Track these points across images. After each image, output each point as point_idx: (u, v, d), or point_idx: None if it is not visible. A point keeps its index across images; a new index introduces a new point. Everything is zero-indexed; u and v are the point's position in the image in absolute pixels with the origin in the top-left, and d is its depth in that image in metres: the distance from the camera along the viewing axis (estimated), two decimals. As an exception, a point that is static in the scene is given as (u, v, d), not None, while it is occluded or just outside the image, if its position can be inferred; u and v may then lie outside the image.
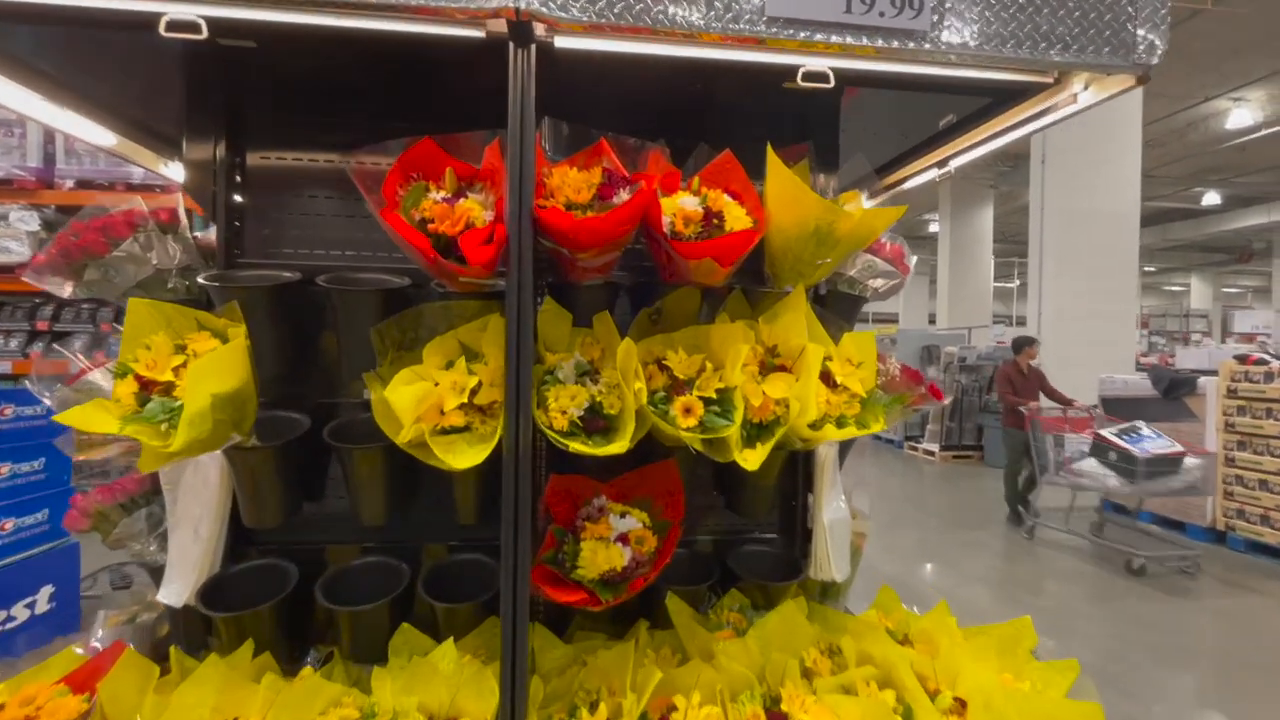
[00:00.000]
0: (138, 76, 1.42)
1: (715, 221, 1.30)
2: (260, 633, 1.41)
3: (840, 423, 1.34)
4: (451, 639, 1.35)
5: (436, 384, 1.23)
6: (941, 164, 1.76)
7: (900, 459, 9.41)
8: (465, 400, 1.21)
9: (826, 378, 1.37)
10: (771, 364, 1.37)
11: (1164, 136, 12.28)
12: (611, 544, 1.31)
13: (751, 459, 1.23)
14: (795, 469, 1.75)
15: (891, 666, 1.38)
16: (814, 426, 1.30)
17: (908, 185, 1.95)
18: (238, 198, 1.55)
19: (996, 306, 19.76)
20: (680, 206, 1.29)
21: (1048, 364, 7.67)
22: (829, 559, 1.61)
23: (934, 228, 17.70)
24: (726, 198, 1.34)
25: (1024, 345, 6.09)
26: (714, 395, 1.27)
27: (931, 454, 9.27)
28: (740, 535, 1.73)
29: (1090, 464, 4.92)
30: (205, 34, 1.05)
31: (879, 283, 1.82)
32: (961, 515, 6.28)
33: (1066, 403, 5.77)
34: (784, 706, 1.26)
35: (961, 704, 1.34)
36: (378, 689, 1.31)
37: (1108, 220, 7.79)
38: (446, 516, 1.47)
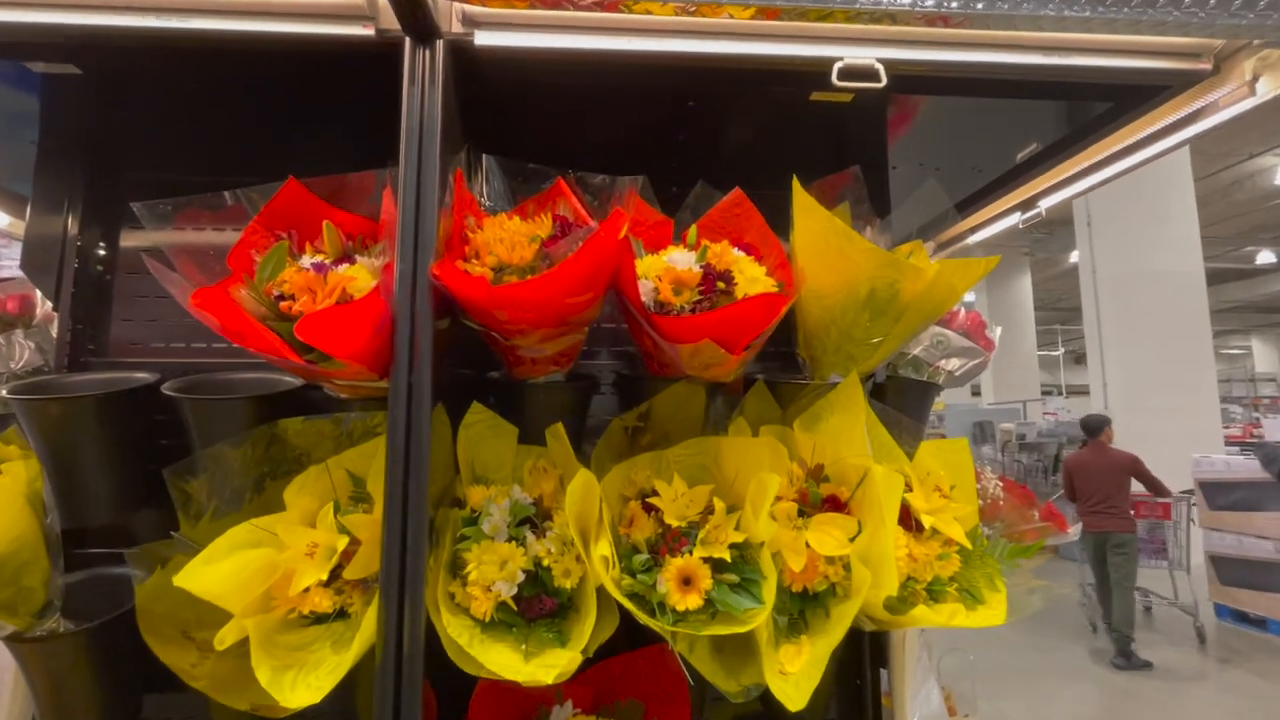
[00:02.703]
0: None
1: (721, 286, 0.87)
2: None
3: (934, 594, 0.84)
4: None
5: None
6: (1027, 205, 1.32)
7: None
8: (327, 576, 0.76)
9: (904, 517, 0.88)
10: (817, 497, 0.90)
11: (1208, 195, 11.76)
12: (570, 805, 0.80)
13: (794, 672, 0.73)
14: (857, 633, 1.22)
15: None
16: (894, 605, 0.81)
17: (978, 237, 1.52)
18: (103, 275, 1.19)
19: (1043, 376, 18.75)
20: (667, 266, 0.87)
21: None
22: (922, 788, 1.05)
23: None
24: (736, 252, 0.92)
25: (1104, 425, 4.85)
26: (729, 556, 0.80)
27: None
28: (783, 738, 1.18)
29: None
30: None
31: (954, 364, 1.35)
32: (1044, 628, 5.36)
33: (1163, 491, 4.74)
34: None
35: None
36: None
37: (1169, 281, 7.18)
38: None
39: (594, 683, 0.98)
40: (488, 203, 0.98)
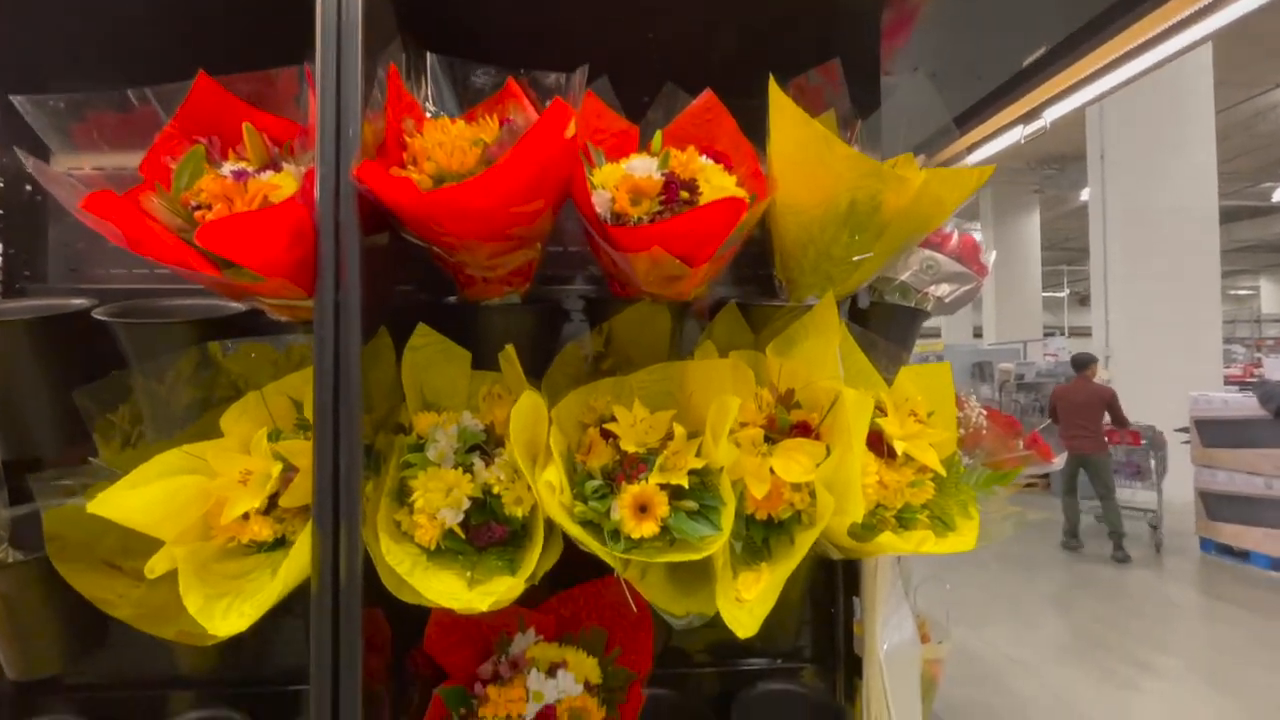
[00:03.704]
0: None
1: (684, 196, 0.79)
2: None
3: (905, 521, 0.80)
4: None
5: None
6: (1030, 116, 1.22)
7: (952, 487, 8.54)
8: (264, 501, 0.73)
9: (877, 442, 0.84)
10: (785, 422, 0.85)
11: (1229, 129, 11.27)
12: (526, 729, 0.79)
13: (750, 599, 0.70)
14: (831, 563, 1.20)
15: None
16: (859, 533, 0.77)
17: (976, 156, 1.42)
18: (33, 195, 1.11)
19: (1046, 318, 18.58)
20: (625, 174, 0.79)
21: (1120, 381, 6.87)
22: (889, 712, 1.05)
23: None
24: (704, 160, 0.84)
25: (1090, 363, 5.50)
26: (686, 483, 0.76)
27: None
28: (753, 664, 1.18)
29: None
30: None
31: (944, 289, 1.28)
32: (1031, 553, 5.50)
33: (1124, 424, 5.39)
34: None
35: None
36: None
37: (1181, 219, 6.98)
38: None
39: (557, 611, 0.97)
40: (433, 108, 0.90)
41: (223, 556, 0.75)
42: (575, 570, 1.02)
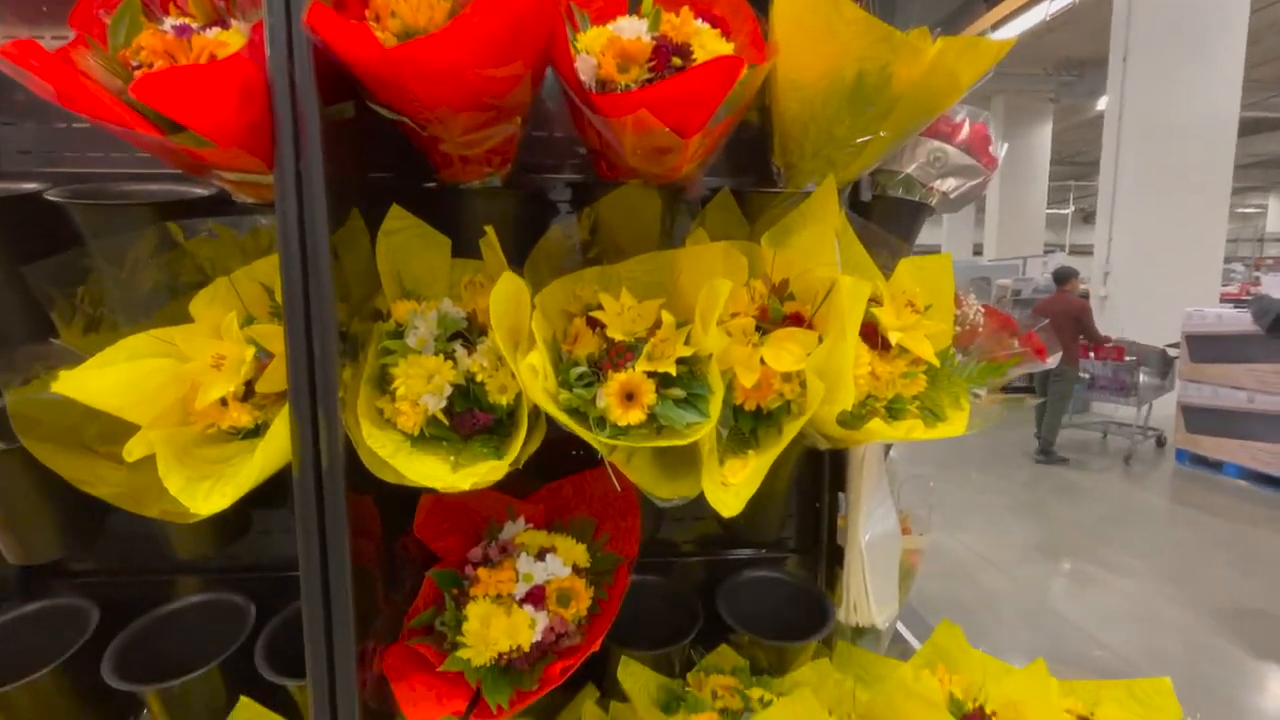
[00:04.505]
0: None
1: (676, 62, 0.72)
2: (45, 708, 0.98)
3: (895, 412, 0.80)
4: (290, 736, 0.90)
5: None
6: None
7: (941, 402, 8.70)
8: (240, 387, 0.71)
9: (871, 333, 0.82)
10: (779, 314, 0.82)
11: (1261, 30, 10.61)
12: (515, 607, 0.82)
13: (736, 484, 0.70)
14: (819, 458, 1.21)
15: (965, 781, 0.89)
16: (848, 421, 0.76)
17: (1002, 33, 1.31)
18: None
19: (1048, 236, 18.27)
20: (612, 36, 0.72)
21: (1117, 297, 6.85)
22: (867, 597, 1.10)
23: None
24: (699, 23, 0.76)
25: (1070, 277, 5.71)
26: (674, 371, 0.74)
27: (977, 394, 8.54)
28: (739, 554, 1.22)
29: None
30: None
31: (951, 184, 1.22)
32: (1009, 464, 5.69)
33: (1096, 339, 5.62)
34: None
35: (1076, 843, 0.85)
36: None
37: (1197, 131, 6.69)
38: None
39: (546, 501, 0.98)
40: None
41: (204, 442, 0.74)
42: (564, 465, 1.03)
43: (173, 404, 0.71)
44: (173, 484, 0.64)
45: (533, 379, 0.68)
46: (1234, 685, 2.63)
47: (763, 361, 0.77)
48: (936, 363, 0.81)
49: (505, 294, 0.69)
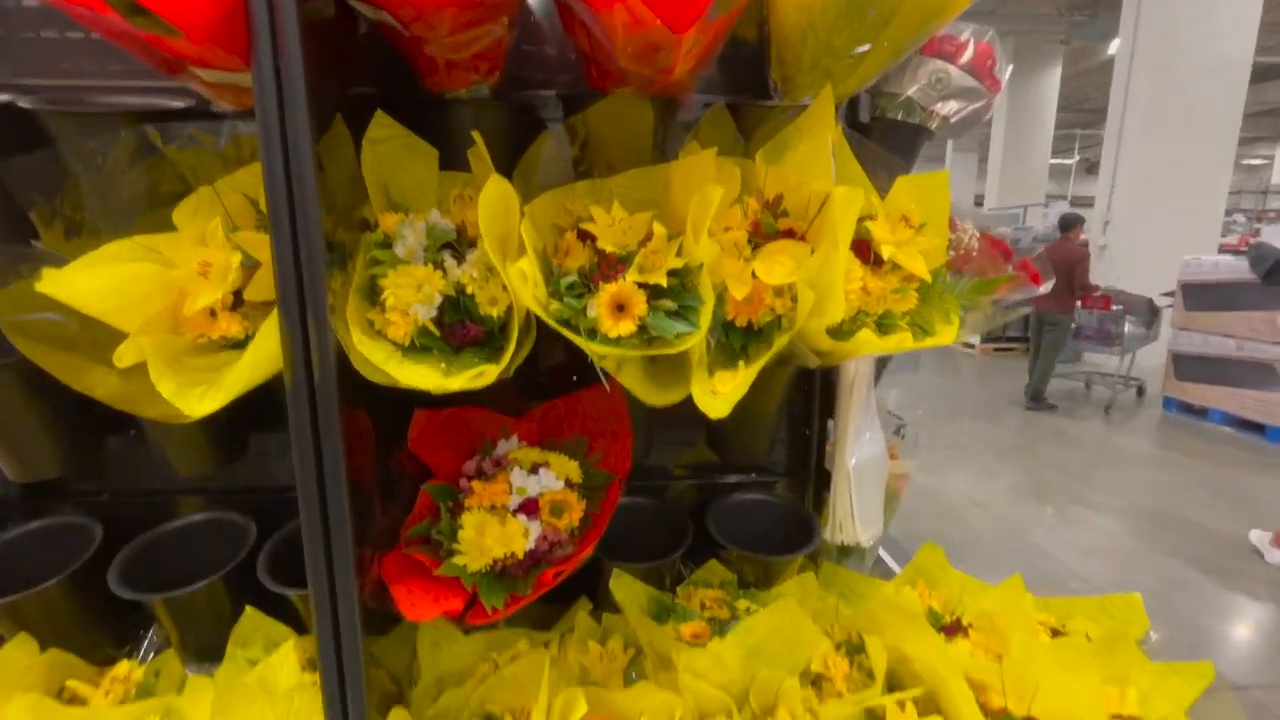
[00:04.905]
0: None
1: (670, -44, 0.69)
2: (51, 619, 1.02)
3: (884, 326, 0.80)
4: (291, 642, 0.94)
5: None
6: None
7: (933, 353, 8.76)
8: (227, 293, 0.70)
9: (864, 250, 0.81)
10: (772, 228, 0.81)
11: (1282, -31, 10.21)
12: (509, 517, 0.84)
13: (725, 392, 0.71)
14: (809, 385, 1.23)
15: (940, 681, 0.93)
16: (838, 332, 0.77)
17: None
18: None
19: (1050, 187, 18.00)
20: (603, -74, 0.68)
21: (1116, 246, 6.81)
22: (853, 517, 1.13)
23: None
24: (695, -85, 0.72)
25: (1074, 224, 5.67)
26: (665, 282, 0.73)
27: (971, 346, 8.61)
28: (730, 476, 1.25)
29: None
30: None
31: (952, 107, 1.18)
32: (1002, 411, 5.77)
33: (1087, 288, 5.60)
34: (774, 748, 0.83)
35: (1042, 735, 0.90)
36: (190, 707, 0.92)
37: (1210, 74, 6.51)
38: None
39: (539, 420, 0.99)
40: None
41: (195, 352, 0.74)
42: (563, 389, 1.04)
43: (161, 311, 0.70)
44: (165, 388, 0.65)
45: (522, 284, 0.68)
46: (1203, 613, 2.75)
47: (754, 275, 0.77)
48: (929, 278, 0.81)
49: (493, 198, 0.68)
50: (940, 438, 4.69)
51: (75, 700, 0.97)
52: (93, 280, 0.64)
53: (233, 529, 1.10)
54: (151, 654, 1.10)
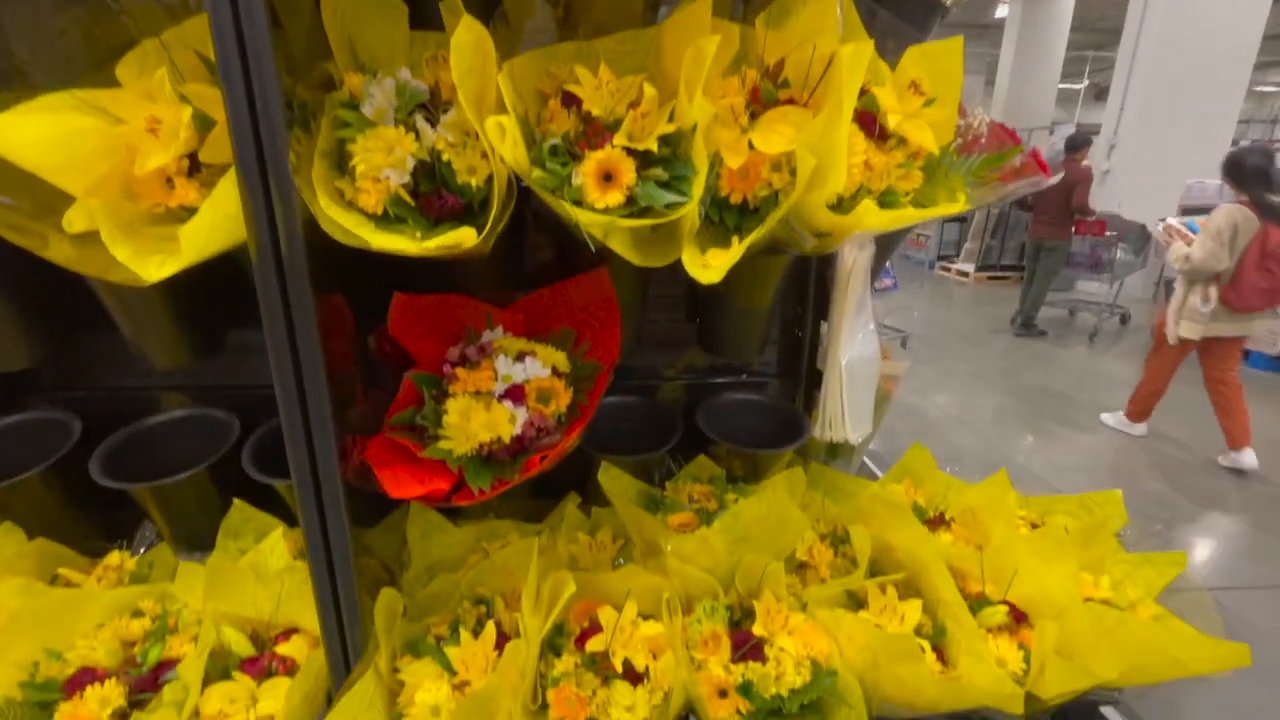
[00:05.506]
0: None
1: None
2: (36, 512, 1.01)
3: (886, 201, 0.76)
4: (281, 530, 0.94)
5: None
6: None
7: (929, 282, 8.70)
8: (181, 155, 0.65)
9: (869, 123, 0.76)
10: (771, 95, 0.76)
11: None
12: (495, 403, 0.82)
13: (717, 265, 0.68)
14: (803, 282, 1.20)
15: (921, 567, 0.96)
16: (838, 207, 0.73)
17: None
18: None
19: (1057, 114, 17.42)
20: None
21: (1120, 171, 6.66)
22: (843, 414, 1.12)
23: (1002, 12, 14.97)
24: None
25: (1082, 145, 5.57)
26: (656, 148, 0.68)
27: (965, 275, 8.55)
28: (721, 378, 1.24)
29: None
30: None
31: (968, -20, 1.10)
32: (991, 337, 5.80)
33: (1084, 211, 5.54)
34: (758, 626, 0.86)
35: (1018, 616, 0.94)
36: (184, 591, 0.93)
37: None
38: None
39: (525, 310, 0.96)
40: None
41: (154, 221, 0.69)
42: (546, 273, 1.00)
43: (110, 172, 0.65)
44: (120, 253, 0.60)
45: (500, 138, 0.63)
46: (1175, 527, 2.87)
47: (751, 146, 0.72)
48: (936, 151, 0.76)
49: (466, 43, 0.62)
50: (927, 358, 4.72)
51: (69, 587, 0.98)
52: (28, 128, 0.58)
53: (217, 425, 1.08)
54: (143, 549, 1.10)
